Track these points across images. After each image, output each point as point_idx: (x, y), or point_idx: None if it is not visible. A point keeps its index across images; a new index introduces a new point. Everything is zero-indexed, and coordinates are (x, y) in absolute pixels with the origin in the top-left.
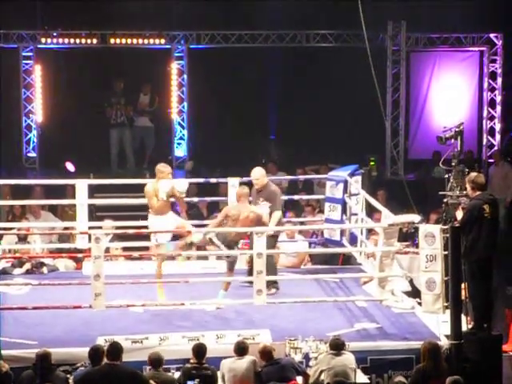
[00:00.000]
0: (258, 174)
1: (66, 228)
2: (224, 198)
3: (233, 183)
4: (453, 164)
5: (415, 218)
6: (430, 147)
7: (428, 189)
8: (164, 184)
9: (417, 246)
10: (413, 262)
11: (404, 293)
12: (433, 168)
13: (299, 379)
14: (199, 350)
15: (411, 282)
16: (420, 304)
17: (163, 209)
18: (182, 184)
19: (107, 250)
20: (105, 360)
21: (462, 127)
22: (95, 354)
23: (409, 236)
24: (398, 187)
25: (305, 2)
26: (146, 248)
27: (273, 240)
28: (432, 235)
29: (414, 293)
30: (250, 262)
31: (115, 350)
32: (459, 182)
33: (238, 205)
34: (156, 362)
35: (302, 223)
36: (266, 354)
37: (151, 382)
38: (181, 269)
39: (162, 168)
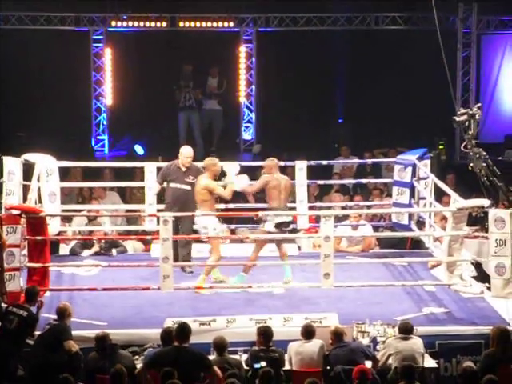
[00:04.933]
0: (192, 153)
1: (134, 210)
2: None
3: (300, 166)
4: (468, 147)
5: (485, 202)
6: (500, 131)
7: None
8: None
9: (486, 230)
10: (482, 247)
11: (472, 277)
12: (503, 152)
13: (368, 363)
14: (266, 333)
15: (480, 266)
16: (489, 289)
17: None
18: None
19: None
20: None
21: (475, 110)
22: (167, 336)
23: (478, 220)
24: (467, 171)
25: None
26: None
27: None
28: (502, 220)
29: (483, 277)
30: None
31: (184, 331)
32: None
33: (276, 175)
34: (220, 346)
35: (369, 207)
36: (338, 335)
37: (215, 367)
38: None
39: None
